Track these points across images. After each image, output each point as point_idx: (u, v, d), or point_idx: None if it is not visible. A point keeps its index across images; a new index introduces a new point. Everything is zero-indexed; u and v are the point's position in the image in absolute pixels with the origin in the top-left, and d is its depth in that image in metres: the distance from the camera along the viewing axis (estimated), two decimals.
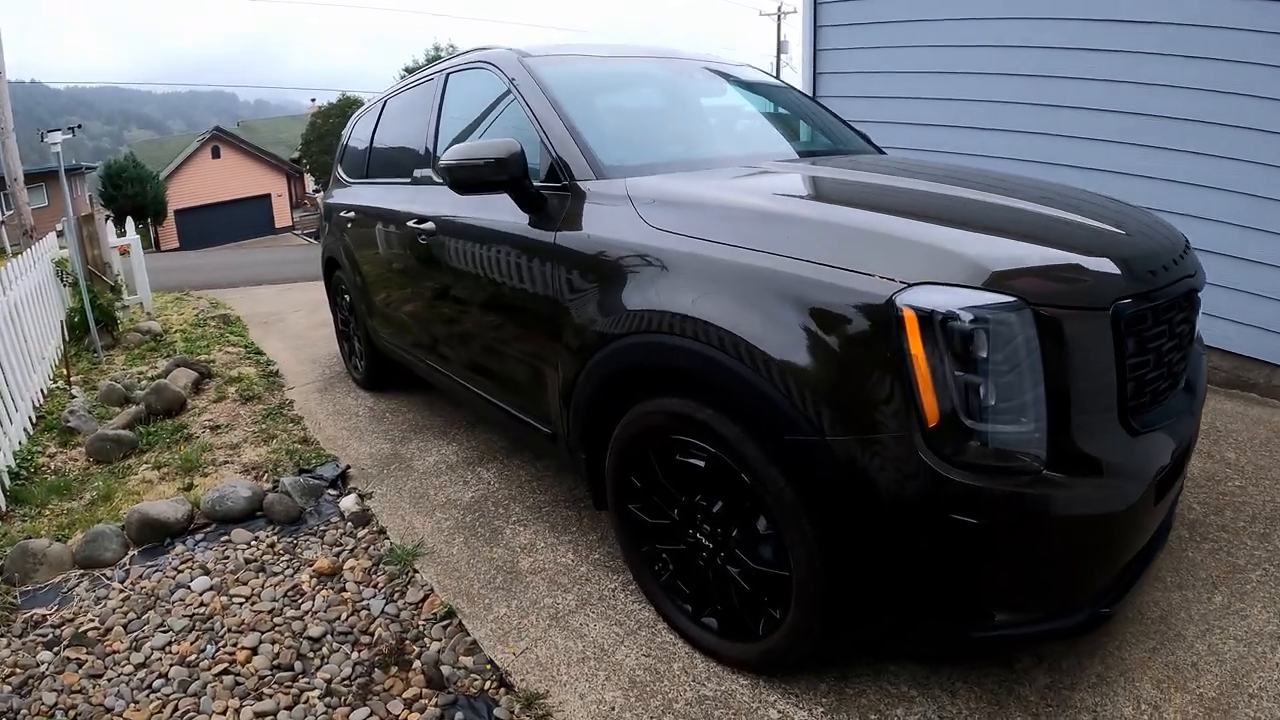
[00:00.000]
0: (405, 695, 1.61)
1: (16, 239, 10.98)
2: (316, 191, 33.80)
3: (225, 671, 1.70)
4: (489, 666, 1.69)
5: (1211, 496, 2.30)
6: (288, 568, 2.14)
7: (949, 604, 1.29)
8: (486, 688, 1.63)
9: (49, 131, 4.37)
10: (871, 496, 1.22)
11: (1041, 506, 1.19)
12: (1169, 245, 1.55)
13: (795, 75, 3.43)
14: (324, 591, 2.01)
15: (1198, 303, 1.63)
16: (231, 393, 3.75)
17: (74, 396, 3.71)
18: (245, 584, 2.06)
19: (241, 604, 1.97)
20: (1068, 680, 1.55)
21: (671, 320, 1.46)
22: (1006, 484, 1.17)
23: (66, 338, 4.72)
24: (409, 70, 22.92)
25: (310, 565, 2.14)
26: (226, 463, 2.91)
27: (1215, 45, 3.06)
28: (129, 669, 1.73)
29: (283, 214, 33.05)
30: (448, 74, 2.66)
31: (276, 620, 1.89)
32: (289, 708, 1.59)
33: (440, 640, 1.80)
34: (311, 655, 1.76)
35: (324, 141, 28.40)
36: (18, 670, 1.73)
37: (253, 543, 2.29)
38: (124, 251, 6.04)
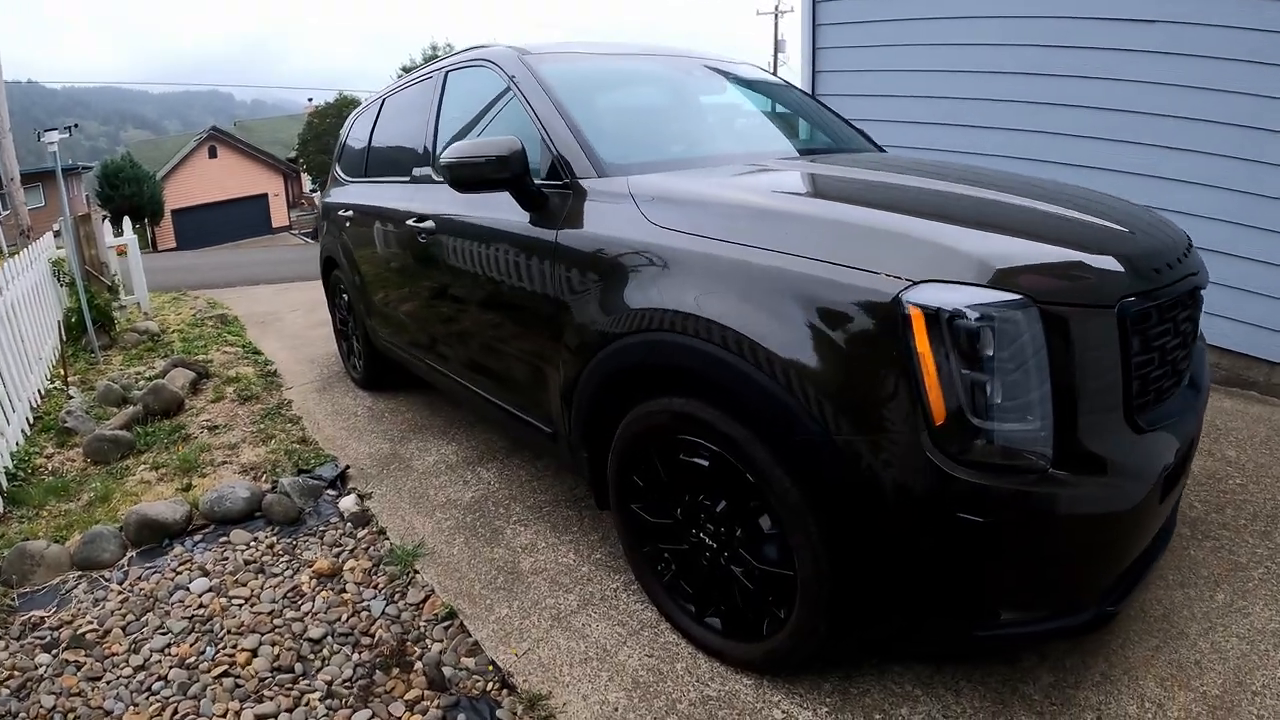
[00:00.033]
0: (407, 697, 1.61)
1: (13, 239, 10.94)
2: (313, 191, 33.76)
3: (225, 673, 1.69)
4: (491, 668, 1.68)
5: (1212, 494, 2.30)
6: (287, 569, 2.13)
7: (955, 603, 1.28)
8: (489, 689, 1.62)
9: (46, 131, 4.35)
10: (877, 495, 1.22)
11: (1048, 505, 1.18)
12: (1172, 243, 1.55)
13: (792, 74, 3.44)
14: (324, 593, 2.00)
15: (1200, 300, 1.62)
16: (229, 393, 3.73)
17: (71, 397, 3.70)
18: (244, 585, 2.05)
19: (241, 605, 1.95)
20: (1072, 679, 1.54)
21: (675, 319, 1.45)
22: (1013, 482, 1.16)
23: (64, 338, 4.70)
24: (406, 70, 22.88)
25: (310, 566, 2.13)
26: (225, 463, 2.90)
27: (1208, 43, 3.07)
28: (128, 671, 1.72)
29: (279, 214, 32.99)
30: (447, 72, 2.65)
31: (276, 622, 1.88)
32: (290, 710, 1.58)
33: (442, 641, 1.79)
34: (312, 657, 1.75)
35: (321, 141, 28.36)
36: (16, 673, 1.71)
37: (252, 544, 2.27)
38: (121, 251, 6.02)
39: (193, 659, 1.75)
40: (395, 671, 1.67)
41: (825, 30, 4.51)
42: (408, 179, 2.77)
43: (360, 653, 1.76)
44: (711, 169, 1.88)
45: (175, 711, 1.59)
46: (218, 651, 1.77)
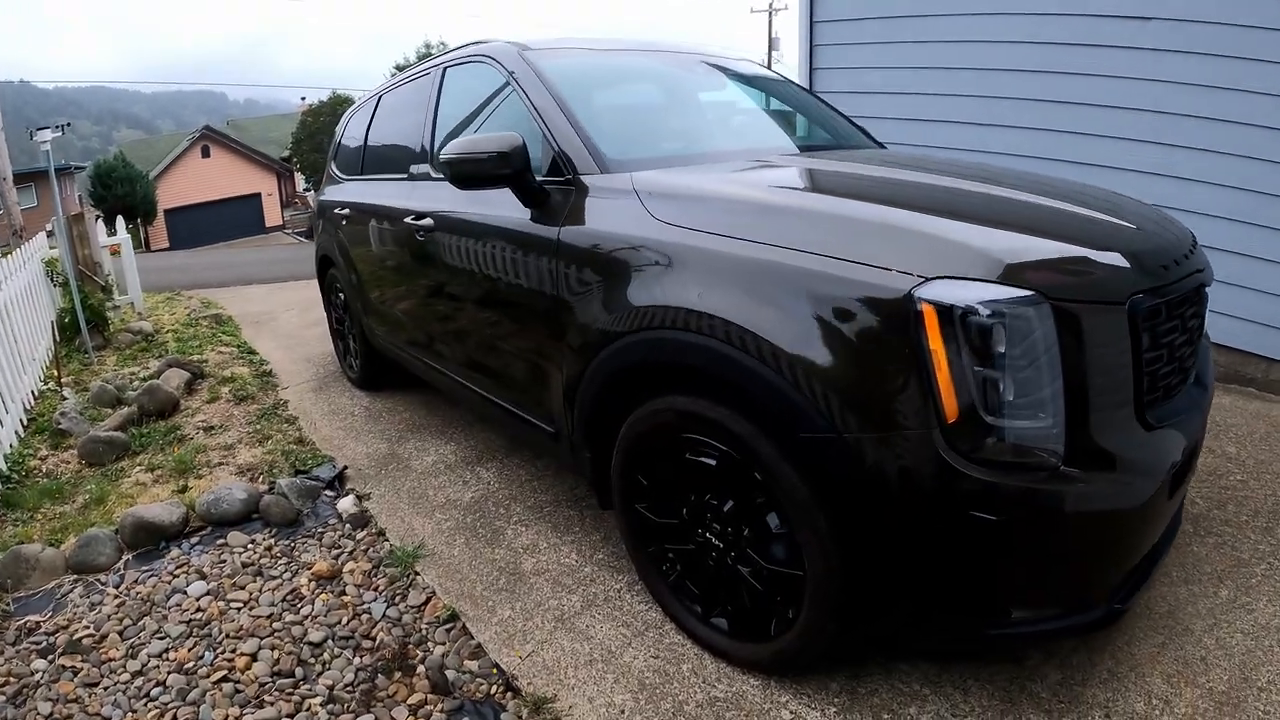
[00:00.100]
0: (410, 701, 1.59)
1: (6, 239, 10.87)
2: (307, 190, 33.63)
3: (224, 679, 1.67)
4: (495, 670, 1.66)
5: (1214, 491, 2.30)
6: (286, 571, 2.11)
7: (966, 601, 1.28)
8: (493, 692, 1.60)
9: (38, 130, 4.31)
10: (889, 494, 1.20)
11: (1060, 503, 1.18)
12: (1179, 240, 1.55)
13: (788, 71, 3.43)
14: (323, 595, 1.98)
15: (1206, 297, 1.62)
16: (225, 393, 3.70)
17: (65, 398, 3.66)
18: (243, 588, 2.02)
19: (239, 609, 1.93)
20: (1079, 676, 1.54)
21: (682, 316, 1.43)
22: (1025, 480, 1.16)
23: (57, 338, 4.66)
24: (400, 68, 22.80)
25: (309, 568, 2.10)
26: (221, 464, 2.87)
27: (1214, 41, 3.07)
28: (126, 677, 1.69)
29: (273, 213, 32.85)
30: (445, 68, 2.63)
31: (276, 625, 1.86)
32: (291, 715, 1.56)
33: (444, 644, 1.77)
34: (312, 661, 1.73)
35: (314, 140, 28.23)
36: (12, 679, 1.69)
37: (250, 546, 2.25)
38: (115, 251, 5.97)
39: (191, 664, 1.73)
40: (397, 675, 1.65)
41: (823, 28, 4.50)
42: (405, 176, 2.74)
43: (361, 656, 1.74)
44: (715, 165, 1.86)
45: (174, 718, 1.56)
46: (216, 656, 1.74)
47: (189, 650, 1.77)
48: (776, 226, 1.36)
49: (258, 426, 3.24)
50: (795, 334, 1.26)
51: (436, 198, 2.40)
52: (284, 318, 5.70)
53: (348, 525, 2.36)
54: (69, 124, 5.37)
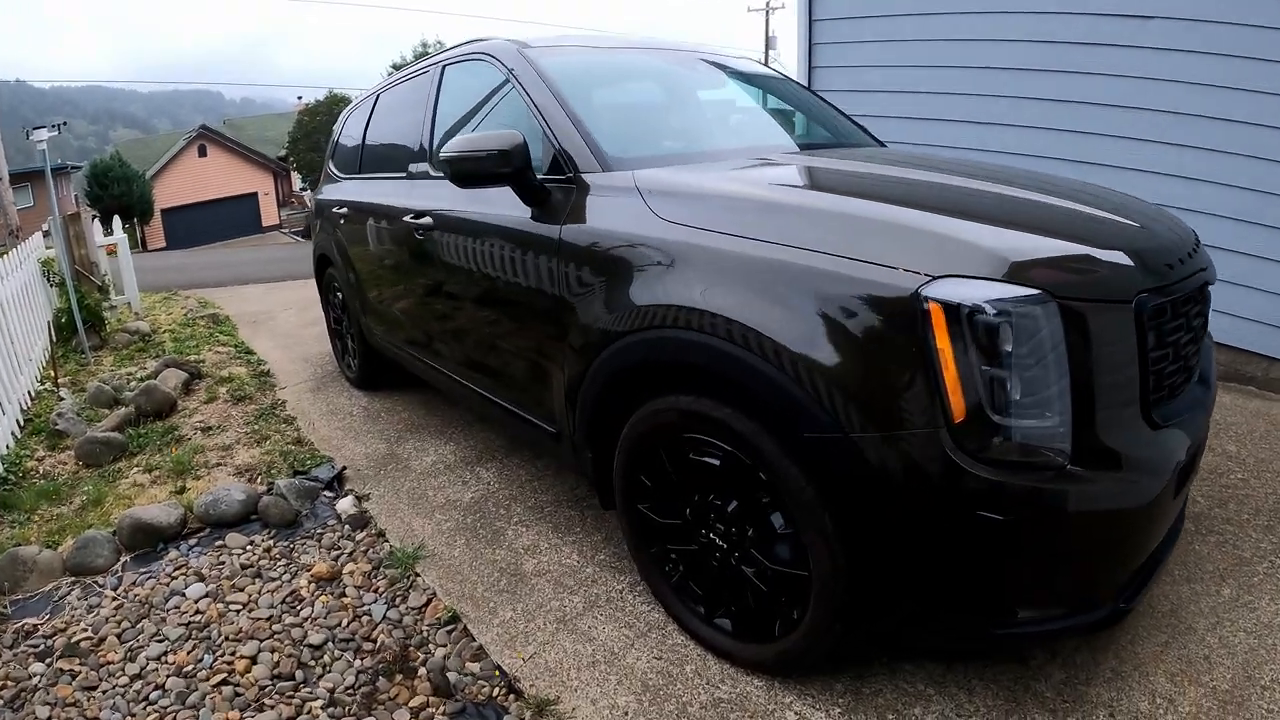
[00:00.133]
0: (411, 704, 1.57)
1: (2, 239, 10.82)
2: (303, 190, 33.54)
3: (224, 682, 1.65)
4: (497, 673, 1.65)
5: (1215, 489, 2.30)
6: (285, 573, 2.10)
7: (972, 601, 1.27)
8: (495, 694, 1.59)
9: (34, 129, 4.29)
10: (896, 494, 1.20)
11: (1067, 502, 1.17)
12: (1182, 239, 1.55)
13: (786, 70, 3.42)
14: (323, 597, 1.97)
15: (1209, 296, 1.62)
16: (222, 393, 3.69)
17: (62, 399, 3.64)
18: (242, 590, 2.01)
19: (239, 611, 1.92)
20: (1083, 675, 1.54)
21: (685, 315, 1.42)
22: (1032, 479, 1.15)
23: (54, 339, 4.64)
24: (396, 67, 22.75)
25: (308, 570, 2.09)
26: (219, 465, 2.85)
27: (1206, 40, 3.07)
28: (124, 680, 1.68)
29: (269, 212, 32.77)
30: (444, 66, 2.61)
31: (275, 628, 1.84)
32: (291, 719, 1.55)
33: (445, 646, 1.76)
34: (313, 664, 1.72)
35: (311, 139, 28.15)
36: (10, 683, 1.67)
37: (248, 547, 2.24)
38: (111, 251, 5.95)
39: (190, 667, 1.71)
40: (399, 678, 1.64)
41: (821, 26, 4.49)
42: (404, 175, 2.73)
43: (362, 659, 1.73)
44: (716, 163, 1.85)
45: None
46: (216, 659, 1.73)
47: (188, 653, 1.76)
48: (782, 225, 1.35)
49: (256, 427, 3.23)
50: (801, 333, 1.25)
51: (436, 196, 2.39)
52: (281, 317, 5.68)
53: (347, 526, 2.35)
54: (65, 123, 5.34)
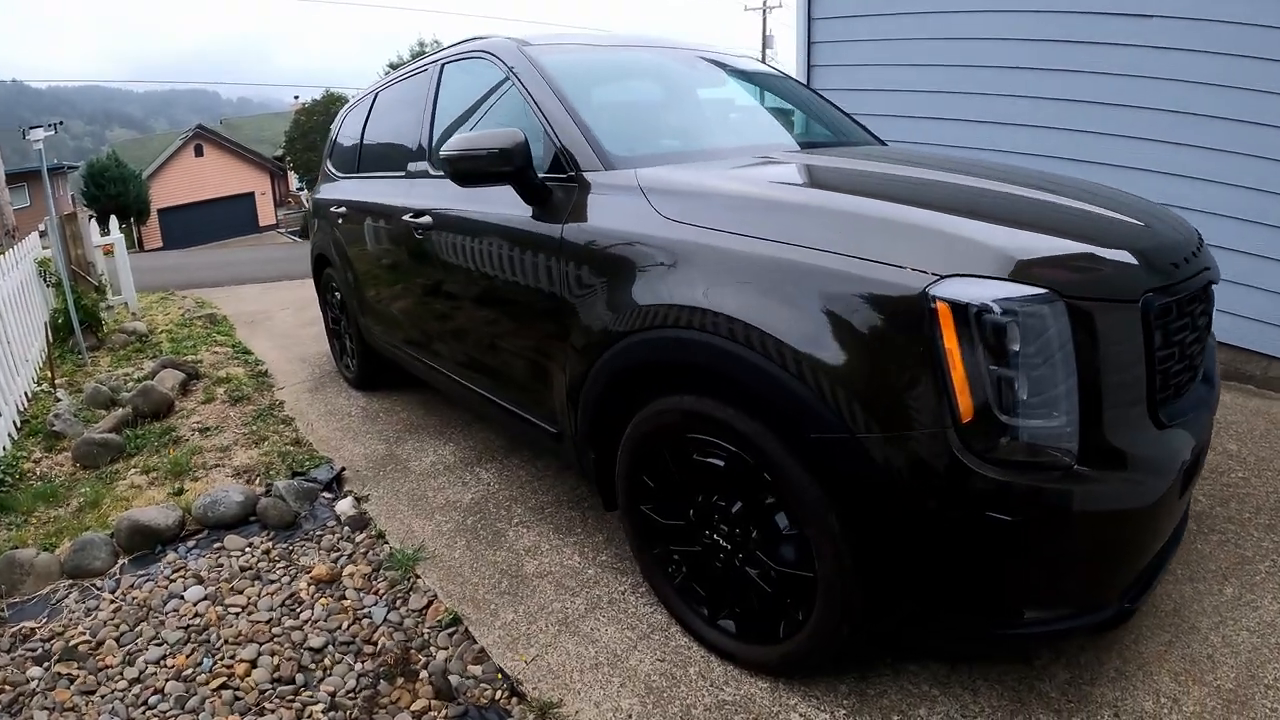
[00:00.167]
0: (413, 708, 1.56)
1: None
2: (300, 189, 33.47)
3: (224, 685, 1.64)
4: (499, 675, 1.64)
5: (1216, 488, 2.30)
6: (284, 575, 2.08)
7: (979, 602, 1.26)
8: (498, 697, 1.58)
9: (31, 128, 4.27)
10: (903, 495, 1.19)
11: (1074, 502, 1.16)
12: (1186, 238, 1.54)
13: (783, 69, 3.40)
14: (323, 600, 1.96)
15: (1212, 295, 1.61)
16: (220, 394, 3.67)
17: (59, 400, 3.62)
18: (241, 593, 2.00)
19: (238, 614, 1.90)
20: (1087, 675, 1.53)
21: (689, 315, 1.41)
22: (1039, 480, 1.14)
23: (50, 339, 4.61)
24: (393, 66, 22.69)
25: (308, 572, 2.08)
26: (217, 466, 2.84)
27: (1206, 39, 3.07)
28: (123, 684, 1.66)
29: (266, 212, 32.71)
30: (443, 65, 2.60)
31: (275, 631, 1.83)
32: None
33: (447, 649, 1.75)
34: (313, 667, 1.70)
35: (308, 139, 28.07)
36: (7, 687, 1.66)
37: (247, 549, 2.22)
38: (108, 251, 5.92)
39: (189, 671, 1.70)
40: (400, 681, 1.62)
41: (820, 25, 4.49)
42: (403, 174, 2.71)
43: (363, 662, 1.72)
44: (718, 161, 1.84)
45: None
46: (215, 662, 1.72)
47: (187, 657, 1.74)
48: (787, 223, 1.34)
49: (254, 428, 3.21)
50: (807, 333, 1.24)
51: (435, 195, 2.38)
52: (279, 317, 5.66)
53: (346, 528, 2.34)
54: (61, 123, 5.32)
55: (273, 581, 2.05)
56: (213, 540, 2.28)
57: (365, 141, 3.28)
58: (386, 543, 2.23)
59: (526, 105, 1.98)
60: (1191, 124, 3.17)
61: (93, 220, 6.23)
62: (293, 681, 1.65)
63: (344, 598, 1.96)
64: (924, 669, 1.56)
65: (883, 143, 2.63)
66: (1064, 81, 3.50)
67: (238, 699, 1.60)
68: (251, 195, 32.07)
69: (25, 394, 3.62)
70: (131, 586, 2.05)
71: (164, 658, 1.74)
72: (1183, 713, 1.43)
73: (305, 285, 6.42)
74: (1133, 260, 1.29)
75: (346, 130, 3.58)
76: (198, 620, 1.88)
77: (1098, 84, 3.41)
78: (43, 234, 5.40)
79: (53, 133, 4.48)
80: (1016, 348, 1.10)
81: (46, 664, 1.74)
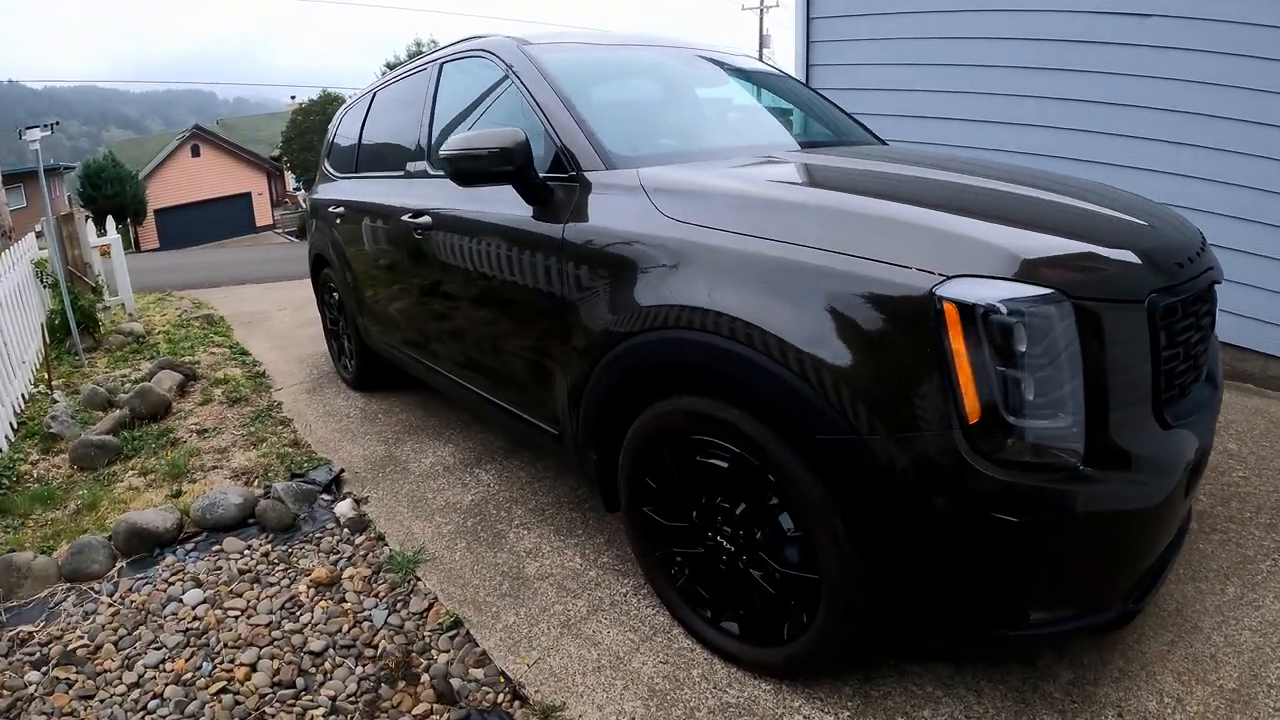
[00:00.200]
0: (415, 711, 1.55)
1: None
2: (297, 189, 33.42)
3: (223, 690, 1.63)
4: (501, 679, 1.63)
5: (1217, 488, 2.30)
6: (284, 578, 2.07)
7: (985, 604, 1.26)
8: (500, 701, 1.57)
9: (27, 129, 4.25)
10: (910, 496, 1.18)
11: (1081, 503, 1.16)
12: (1190, 238, 1.54)
13: (781, 68, 3.40)
14: (323, 602, 1.94)
15: (1216, 295, 1.61)
16: (218, 395, 3.65)
17: (56, 401, 3.61)
18: (240, 596, 1.98)
19: (237, 617, 1.89)
20: (1090, 675, 1.53)
21: (693, 315, 1.40)
22: (1046, 480, 1.14)
23: (47, 340, 4.59)
24: (390, 66, 22.64)
25: (307, 575, 2.06)
26: (215, 468, 2.82)
27: (1204, 38, 3.07)
28: (121, 689, 1.65)
29: (263, 212, 32.65)
30: (441, 64, 2.59)
31: (275, 634, 1.82)
32: None
33: (448, 652, 1.74)
34: (314, 671, 1.69)
35: (304, 139, 28.03)
36: (5, 692, 1.64)
37: (246, 552, 2.21)
38: (104, 252, 5.90)
39: (189, 675, 1.68)
40: (401, 685, 1.61)
41: (819, 24, 4.48)
42: (401, 174, 2.70)
43: (364, 665, 1.71)
44: (720, 161, 1.84)
45: None
46: (215, 667, 1.70)
47: (186, 661, 1.73)
48: (792, 223, 1.33)
49: (252, 429, 3.20)
50: (813, 333, 1.24)
51: (434, 195, 2.37)
52: (276, 318, 5.64)
53: (346, 530, 2.33)
54: (58, 123, 5.30)
55: (272, 584, 2.04)
56: (211, 543, 2.26)
57: (363, 141, 3.27)
58: (386, 545, 2.22)
59: (527, 105, 1.97)
60: (1192, 123, 3.17)
61: (89, 221, 6.20)
62: (293, 685, 1.64)
63: (344, 600, 1.95)
64: (928, 670, 1.56)
65: (883, 142, 2.63)
66: (1067, 81, 3.50)
67: (238, 703, 1.59)
68: (248, 195, 32.01)
69: (22, 395, 3.60)
70: (130, 590, 2.04)
71: (163, 662, 1.73)
72: (1186, 712, 1.43)
73: (302, 285, 6.40)
74: (1138, 260, 1.28)
75: (344, 130, 3.57)
76: (197, 624, 1.87)
77: (1100, 84, 3.41)
78: (39, 235, 5.37)
79: (49, 133, 4.45)
80: (1023, 348, 1.10)
81: (45, 668, 1.73)
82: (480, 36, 2.42)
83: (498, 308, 2.11)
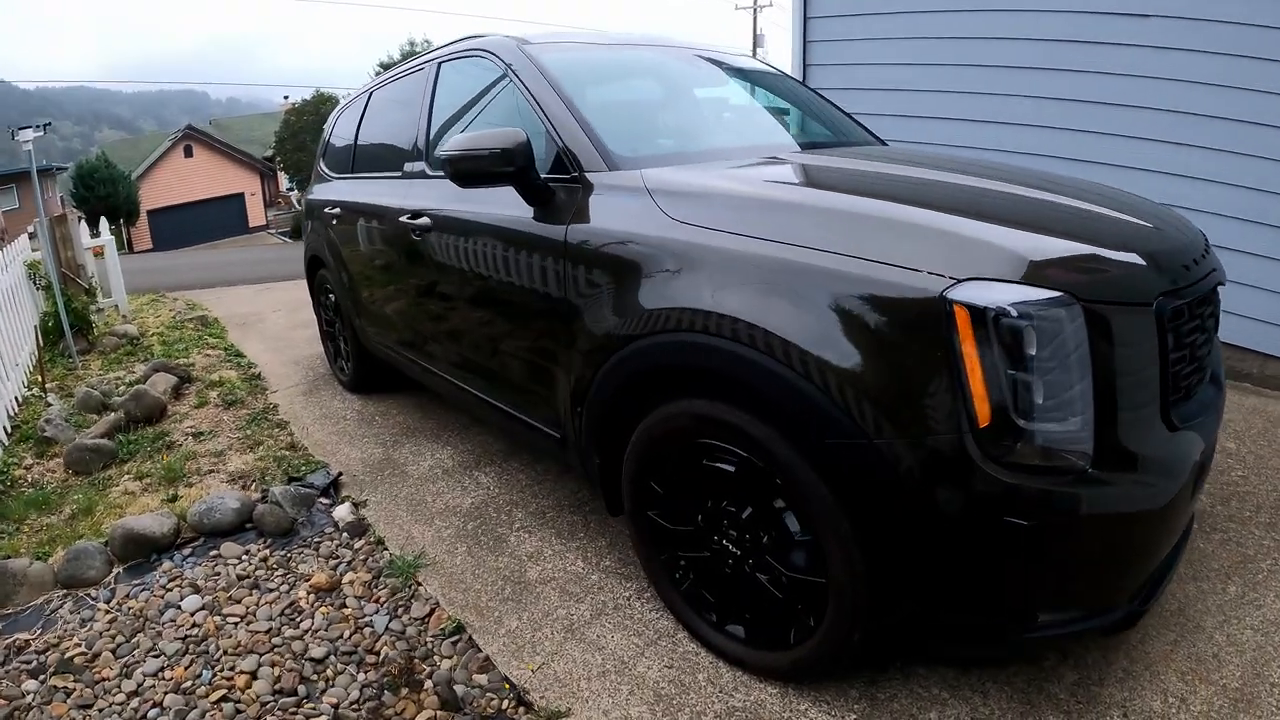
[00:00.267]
0: (419, 719, 1.53)
1: None
2: (290, 190, 33.29)
3: (224, 698, 1.60)
4: (506, 684, 1.61)
5: (1216, 487, 2.31)
6: (283, 583, 2.05)
7: (994, 606, 1.25)
8: (504, 707, 1.55)
9: (19, 129, 4.21)
10: (920, 499, 1.18)
11: (1090, 505, 1.16)
12: (1194, 240, 1.55)
13: (782, 69, 3.40)
14: (323, 608, 1.93)
15: (1219, 297, 1.61)
16: (213, 397, 3.63)
17: (50, 404, 3.57)
18: (239, 602, 1.96)
19: (236, 624, 1.87)
20: (1095, 676, 1.53)
21: (699, 318, 1.39)
22: (1055, 483, 1.14)
23: (40, 343, 4.55)
24: (385, 67, 22.55)
25: (307, 580, 2.04)
26: (211, 471, 2.80)
27: (1205, 39, 3.08)
28: (120, 698, 1.63)
29: (256, 213, 32.53)
30: (439, 63, 2.57)
31: (275, 641, 1.80)
32: None
33: (451, 658, 1.72)
34: (315, 678, 1.67)
35: (298, 139, 27.93)
36: (3, 701, 1.62)
37: (244, 557, 2.19)
38: (98, 253, 5.84)
39: (188, 683, 1.66)
40: (404, 691, 1.59)
41: (816, 24, 4.48)
42: (399, 174, 2.68)
43: (366, 672, 1.69)
44: (723, 162, 1.83)
45: None
46: (215, 674, 1.68)
47: (185, 668, 1.71)
48: (799, 226, 1.33)
49: (248, 432, 3.18)
50: (821, 337, 1.23)
51: (433, 196, 2.35)
52: (271, 319, 5.61)
53: (345, 534, 2.31)
54: (50, 124, 5.25)
55: (271, 590, 2.02)
56: (209, 548, 2.24)
57: (360, 142, 3.24)
58: (386, 549, 2.20)
59: (527, 105, 1.96)
60: (1192, 124, 3.18)
61: (82, 222, 6.15)
62: (295, 693, 1.62)
63: (344, 606, 1.93)
64: (933, 672, 1.55)
65: (883, 143, 2.63)
66: (1066, 81, 3.51)
67: (239, 712, 1.57)
68: (241, 196, 31.89)
69: (16, 398, 3.57)
70: (127, 596, 2.01)
71: (162, 670, 1.71)
72: (1190, 712, 1.43)
73: (296, 286, 6.36)
74: (1146, 263, 1.28)
75: (340, 130, 3.54)
76: (196, 631, 1.85)
77: (1099, 84, 3.41)
78: (32, 236, 5.33)
79: (41, 134, 4.42)
80: (1034, 351, 1.09)
81: (42, 677, 1.70)
82: (478, 36, 2.40)
83: (498, 309, 2.10)
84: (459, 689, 1.59)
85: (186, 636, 1.82)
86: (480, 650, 1.72)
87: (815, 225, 1.32)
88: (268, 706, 1.59)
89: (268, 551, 2.21)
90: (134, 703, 1.61)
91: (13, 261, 4.48)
